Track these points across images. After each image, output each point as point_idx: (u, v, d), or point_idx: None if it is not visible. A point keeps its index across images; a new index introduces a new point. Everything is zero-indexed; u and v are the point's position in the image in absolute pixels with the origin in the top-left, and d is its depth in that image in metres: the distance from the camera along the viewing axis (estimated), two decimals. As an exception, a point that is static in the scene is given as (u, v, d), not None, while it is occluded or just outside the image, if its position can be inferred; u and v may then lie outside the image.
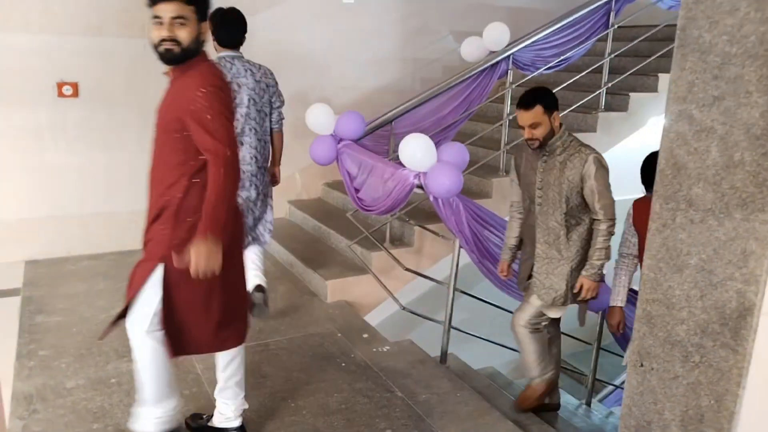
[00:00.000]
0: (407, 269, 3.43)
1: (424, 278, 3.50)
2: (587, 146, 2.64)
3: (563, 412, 3.29)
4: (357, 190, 3.39)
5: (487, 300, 3.49)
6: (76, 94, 4.02)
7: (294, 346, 3.07)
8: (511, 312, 3.04)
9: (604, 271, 2.70)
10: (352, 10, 4.89)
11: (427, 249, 3.91)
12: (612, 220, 2.58)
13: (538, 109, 2.58)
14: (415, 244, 3.88)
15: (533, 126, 2.58)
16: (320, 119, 3.52)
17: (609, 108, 4.63)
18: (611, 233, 2.61)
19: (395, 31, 5.25)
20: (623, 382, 4.83)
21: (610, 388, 4.81)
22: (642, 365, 1.72)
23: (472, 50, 4.14)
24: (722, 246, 1.47)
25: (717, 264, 1.49)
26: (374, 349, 3.10)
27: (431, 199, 2.96)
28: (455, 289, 3.15)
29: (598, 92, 4.53)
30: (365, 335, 3.25)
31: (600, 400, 4.58)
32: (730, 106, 1.43)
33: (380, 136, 3.83)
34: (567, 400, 3.76)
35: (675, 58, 1.55)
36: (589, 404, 3.96)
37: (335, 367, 2.90)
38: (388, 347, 3.13)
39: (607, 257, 2.64)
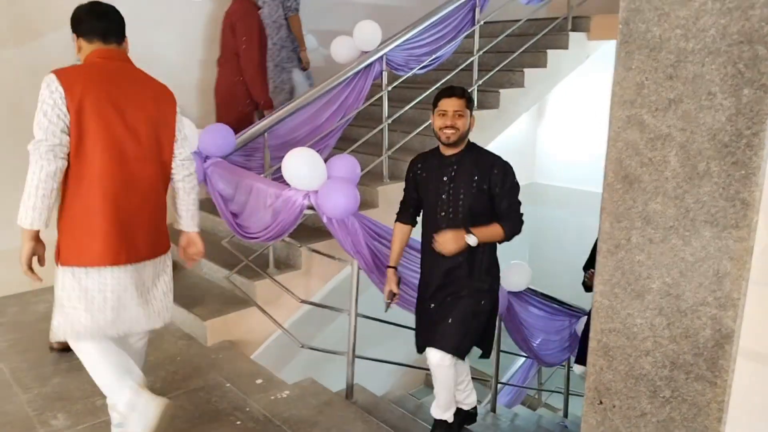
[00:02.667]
0: (303, 301, 3.06)
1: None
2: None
3: (474, 426, 3.12)
4: (235, 215, 2.95)
5: (391, 321, 3.21)
6: None
7: (176, 408, 2.58)
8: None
9: None
10: (197, 7, 4.39)
11: (316, 269, 3.57)
12: None
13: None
14: (303, 267, 3.51)
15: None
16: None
17: (481, 106, 4.58)
18: None
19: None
20: (517, 370, 4.85)
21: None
22: (601, 402, 1.53)
23: (342, 50, 3.85)
24: (690, 267, 1.30)
25: (685, 288, 1.32)
26: (272, 397, 2.70)
27: (324, 220, 2.63)
28: (358, 315, 2.85)
29: (470, 90, 4.45)
30: (259, 381, 2.84)
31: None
32: (690, 109, 1.26)
33: (252, 150, 3.41)
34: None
35: (618, 57, 1.36)
36: (494, 410, 3.86)
37: (230, 428, 2.47)
38: (287, 392, 2.75)
39: None
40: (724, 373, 1.29)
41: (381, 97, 3.90)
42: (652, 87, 1.31)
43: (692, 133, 1.26)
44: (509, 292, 3.43)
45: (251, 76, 4.02)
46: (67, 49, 3.85)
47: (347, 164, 2.75)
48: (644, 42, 1.30)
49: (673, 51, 1.26)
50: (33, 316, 3.50)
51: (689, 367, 1.34)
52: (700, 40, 1.22)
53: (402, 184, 3.97)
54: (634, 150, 1.35)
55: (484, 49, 4.44)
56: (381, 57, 3.82)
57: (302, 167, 2.58)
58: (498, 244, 2.52)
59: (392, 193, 3.96)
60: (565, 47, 4.94)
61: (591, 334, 1.55)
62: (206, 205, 4.23)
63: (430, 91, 4.30)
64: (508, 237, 2.41)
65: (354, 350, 2.88)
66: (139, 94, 2.07)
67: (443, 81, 4.32)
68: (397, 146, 4.01)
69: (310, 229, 3.60)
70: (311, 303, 3.11)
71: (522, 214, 2.44)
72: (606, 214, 1.43)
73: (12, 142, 3.71)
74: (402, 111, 4.10)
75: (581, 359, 3.10)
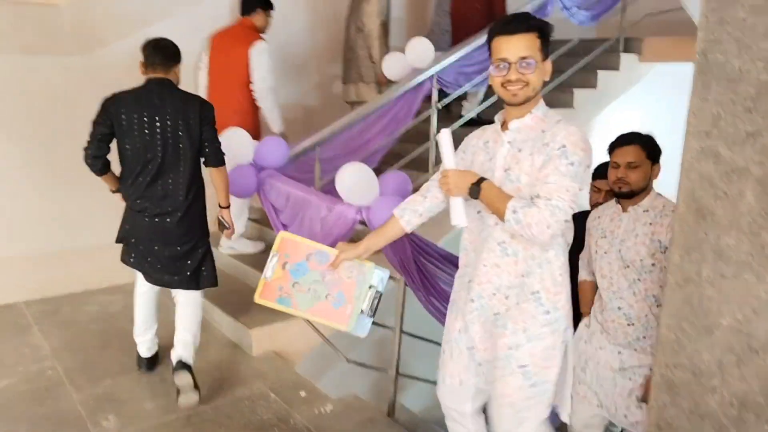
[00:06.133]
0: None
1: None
2: None
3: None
4: (285, 226, 2.99)
5: (437, 341, 3.20)
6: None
7: (221, 416, 2.63)
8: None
9: None
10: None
11: (359, 284, 3.57)
12: None
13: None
14: (347, 280, 3.53)
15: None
16: (237, 146, 3.10)
17: (530, 125, 4.54)
18: None
19: (304, 44, 4.92)
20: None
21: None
22: (662, 438, 1.49)
23: (394, 67, 3.88)
24: (764, 305, 1.26)
25: (758, 326, 1.28)
26: (315, 411, 2.72)
27: (374, 236, 2.64)
28: (402, 332, 2.84)
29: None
30: (302, 393, 2.86)
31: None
32: (770, 144, 1.23)
33: (304, 163, 3.46)
34: None
35: (694, 87, 1.34)
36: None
37: (274, 438, 2.50)
38: (331, 406, 2.76)
39: None
40: (798, 417, 1.25)
41: (429, 113, 3.92)
42: (729, 119, 1.28)
43: (772, 168, 1.23)
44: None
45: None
46: (130, 58, 4.00)
47: (399, 180, 2.76)
48: (723, 73, 1.28)
49: (754, 84, 1.24)
50: (86, 316, 3.61)
51: (760, 409, 1.30)
52: (784, 73, 1.20)
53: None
54: (709, 182, 1.33)
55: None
56: (432, 75, 3.84)
57: (356, 182, 2.61)
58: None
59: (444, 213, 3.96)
60: (616, 68, 4.88)
61: (654, 368, 1.52)
62: (258, 215, 4.31)
63: (480, 108, 4.30)
64: None
65: (398, 368, 2.88)
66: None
67: (492, 99, 4.32)
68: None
69: (357, 243, 3.62)
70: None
71: None
72: (676, 246, 1.41)
73: (68, 147, 3.84)
74: (451, 128, 4.10)
75: None
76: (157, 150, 2.59)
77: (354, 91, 4.54)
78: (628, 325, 2.26)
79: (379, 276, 2.07)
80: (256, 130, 3.88)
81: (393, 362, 2.89)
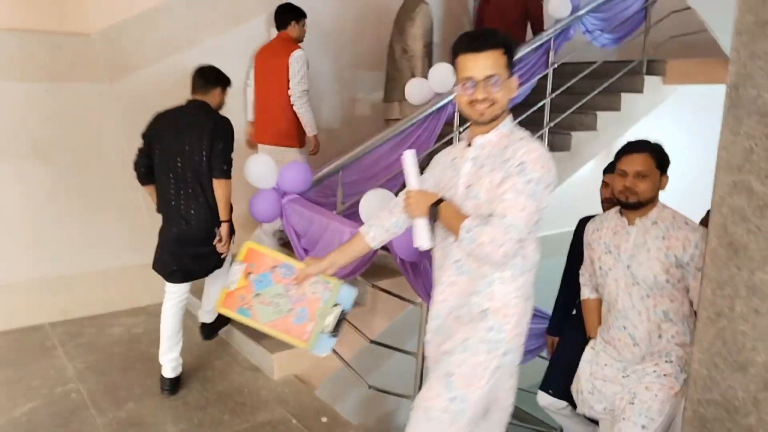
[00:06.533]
0: (372, 341, 3.07)
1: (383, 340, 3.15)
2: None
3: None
4: (306, 251, 3.00)
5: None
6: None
7: (243, 442, 2.62)
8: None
9: None
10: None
11: (381, 307, 3.57)
12: None
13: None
14: (369, 304, 3.53)
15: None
16: (260, 171, 3.13)
17: (552, 148, 4.52)
18: None
19: (328, 68, 4.98)
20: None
21: None
22: (695, 477, 1.46)
23: (417, 92, 3.91)
24: (802, 343, 1.24)
25: (795, 364, 1.26)
26: (337, 437, 2.70)
27: (397, 261, 2.64)
28: (424, 358, 2.82)
29: (541, 132, 4.42)
30: (324, 419, 2.84)
31: None
32: (805, 179, 1.22)
33: (326, 187, 3.48)
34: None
35: (725, 121, 1.33)
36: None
37: (295, 465, 2.48)
38: (353, 433, 2.74)
39: None
40: (840, 459, 1.21)
41: (452, 137, 3.93)
42: (762, 153, 1.27)
43: (807, 204, 1.21)
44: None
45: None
46: (157, 84, 4.09)
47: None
48: (755, 108, 1.27)
49: (787, 118, 1.23)
50: (108, 338, 3.64)
51: (799, 450, 1.26)
52: (818, 108, 1.19)
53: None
54: (741, 216, 1.31)
55: (557, 92, 4.41)
56: (454, 99, 3.85)
57: (379, 209, 2.61)
58: None
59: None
60: (640, 91, 4.85)
61: (686, 404, 1.49)
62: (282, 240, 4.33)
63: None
64: None
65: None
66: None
67: (517, 120, 4.31)
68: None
69: (377, 267, 3.61)
70: (380, 344, 3.10)
71: None
72: (707, 281, 1.39)
73: (94, 171, 3.93)
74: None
75: (548, 385, 2.80)
76: (177, 163, 2.85)
77: (398, 109, 4.64)
78: (634, 345, 2.17)
79: (345, 294, 2.02)
80: (301, 136, 4.15)
81: (414, 388, 2.86)
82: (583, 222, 2.81)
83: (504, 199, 1.70)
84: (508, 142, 1.80)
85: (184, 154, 2.84)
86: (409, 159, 1.92)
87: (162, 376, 2.99)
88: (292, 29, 4.14)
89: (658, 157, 2.17)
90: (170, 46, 4.11)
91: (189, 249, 2.94)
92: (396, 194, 2.96)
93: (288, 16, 4.12)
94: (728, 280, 1.34)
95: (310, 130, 4.10)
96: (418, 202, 1.87)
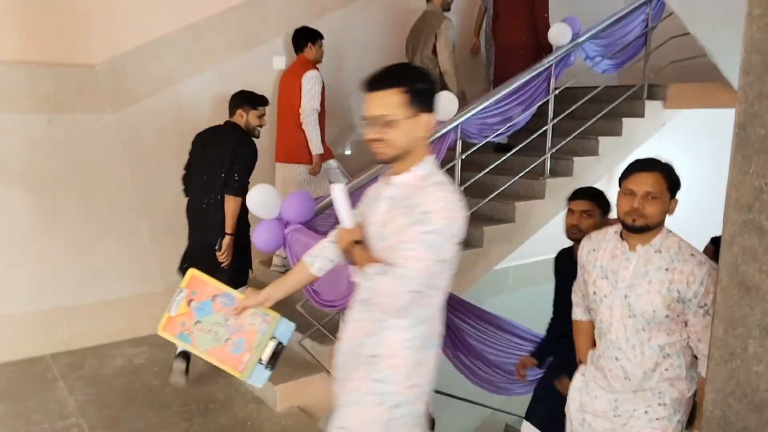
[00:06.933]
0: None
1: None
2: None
3: None
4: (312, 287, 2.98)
5: (466, 399, 3.14)
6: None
7: (246, 477, 2.58)
8: (493, 409, 2.69)
9: None
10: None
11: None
12: None
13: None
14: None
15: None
16: (263, 201, 3.12)
17: (554, 173, 4.53)
18: None
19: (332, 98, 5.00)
20: None
21: None
22: None
23: (419, 119, 3.91)
24: (818, 386, 1.22)
25: (813, 407, 1.23)
26: (342, 472, 2.65)
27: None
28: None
29: (543, 157, 4.43)
30: (328, 452, 2.79)
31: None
32: (816, 218, 1.20)
33: (330, 216, 3.47)
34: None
35: (734, 160, 1.32)
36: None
37: (299, 502, 2.43)
38: (357, 467, 2.69)
39: None
40: None
41: (454, 164, 3.93)
42: (772, 192, 1.26)
43: (819, 244, 1.20)
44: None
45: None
46: (160, 114, 4.11)
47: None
48: (764, 147, 1.26)
49: (797, 157, 1.22)
50: (110, 369, 3.60)
51: (819, 496, 1.23)
52: (828, 148, 1.18)
53: (474, 251, 4.03)
54: (752, 256, 1.29)
55: (558, 118, 4.43)
56: (456, 126, 3.87)
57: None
58: None
59: (463, 260, 3.92)
60: (641, 115, 4.87)
61: (700, 446, 1.46)
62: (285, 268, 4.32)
63: (503, 158, 4.32)
64: None
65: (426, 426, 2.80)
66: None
67: (519, 147, 4.34)
68: (468, 213, 4.00)
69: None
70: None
71: None
72: (719, 320, 1.37)
73: (96, 201, 3.93)
74: (475, 178, 4.13)
75: (530, 414, 2.72)
76: (203, 177, 3.29)
77: None
78: (625, 378, 2.02)
79: (283, 328, 2.04)
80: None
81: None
82: (561, 254, 2.76)
83: (403, 248, 1.65)
84: (422, 186, 1.71)
85: (209, 169, 3.26)
86: (337, 194, 1.86)
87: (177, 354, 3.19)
88: (309, 51, 4.32)
89: (670, 178, 1.97)
90: (174, 76, 4.15)
91: (205, 255, 3.24)
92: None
93: (304, 39, 4.30)
94: (740, 320, 1.32)
95: (315, 149, 4.20)
96: (342, 241, 1.84)
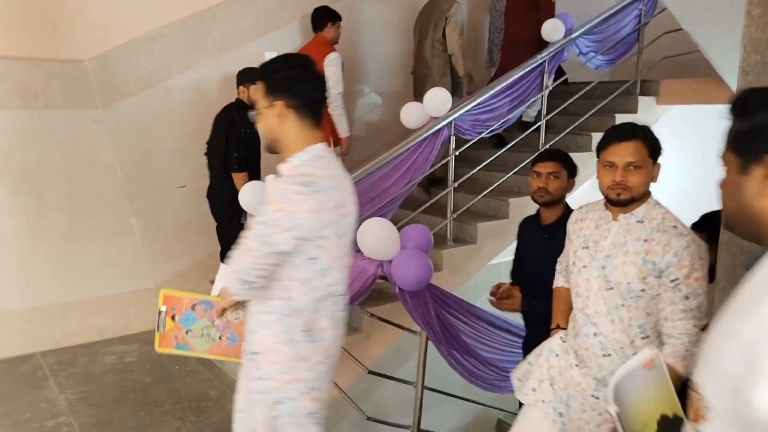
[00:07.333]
0: (371, 372, 3.02)
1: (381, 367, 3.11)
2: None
3: None
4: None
5: (459, 395, 3.13)
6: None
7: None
8: (486, 405, 2.69)
9: None
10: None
11: (377, 334, 3.53)
12: None
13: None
14: (365, 330, 3.49)
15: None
16: (256, 201, 3.09)
17: (548, 169, 4.52)
18: None
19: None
20: None
21: None
22: None
23: (412, 116, 3.89)
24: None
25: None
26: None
27: (396, 290, 2.61)
28: (424, 388, 2.78)
29: (537, 153, 4.41)
30: (323, 451, 2.78)
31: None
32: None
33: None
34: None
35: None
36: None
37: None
38: (352, 466, 2.69)
39: None
40: None
41: (447, 160, 3.92)
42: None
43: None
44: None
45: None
46: (149, 110, 4.07)
47: (420, 234, 2.74)
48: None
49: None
50: (101, 367, 3.57)
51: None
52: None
53: (468, 247, 4.02)
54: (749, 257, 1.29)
55: (552, 114, 4.43)
56: (449, 122, 3.85)
57: (378, 238, 2.59)
58: None
59: (457, 257, 3.94)
60: (634, 111, 4.87)
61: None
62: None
63: (497, 154, 4.31)
64: None
65: (419, 425, 2.80)
66: None
67: (513, 143, 4.34)
68: (462, 209, 4.00)
69: (373, 292, 3.58)
70: (379, 374, 3.05)
71: None
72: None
73: (87, 198, 3.89)
74: (469, 174, 4.11)
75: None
76: (214, 154, 3.57)
77: None
78: (604, 356, 1.86)
79: None
80: (334, 136, 4.28)
81: (414, 418, 2.82)
82: (525, 220, 2.70)
83: (245, 237, 1.64)
84: (288, 175, 1.68)
85: (214, 146, 3.56)
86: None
87: None
88: (328, 31, 4.31)
89: (650, 144, 1.86)
90: (164, 72, 4.10)
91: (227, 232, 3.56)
92: (391, 220, 2.95)
93: (325, 19, 4.28)
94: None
95: (342, 132, 4.24)
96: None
